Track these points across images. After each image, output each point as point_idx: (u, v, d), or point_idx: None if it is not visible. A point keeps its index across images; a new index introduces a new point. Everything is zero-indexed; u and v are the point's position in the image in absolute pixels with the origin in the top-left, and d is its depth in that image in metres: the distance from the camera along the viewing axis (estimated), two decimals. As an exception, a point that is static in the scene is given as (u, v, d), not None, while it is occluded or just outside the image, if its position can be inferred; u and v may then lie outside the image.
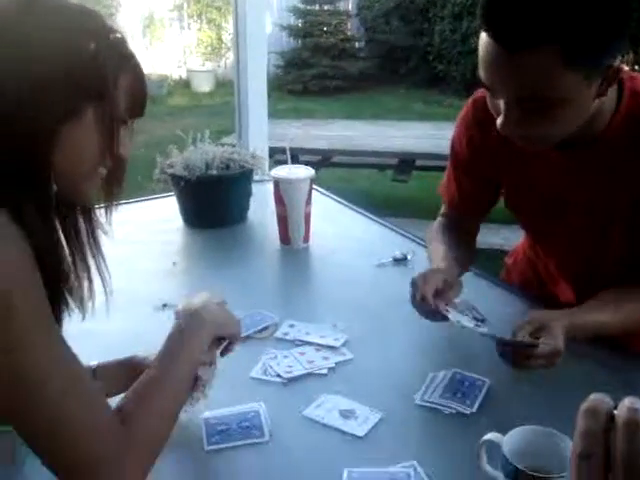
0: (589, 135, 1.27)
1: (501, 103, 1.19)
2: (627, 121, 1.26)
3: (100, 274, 1.05)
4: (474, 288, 1.61)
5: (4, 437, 0.94)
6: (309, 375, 1.33)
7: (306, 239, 1.97)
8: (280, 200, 1.92)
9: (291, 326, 1.51)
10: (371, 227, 2.17)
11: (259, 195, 2.22)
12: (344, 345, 1.43)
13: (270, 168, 2.41)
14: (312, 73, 10.31)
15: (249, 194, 2.17)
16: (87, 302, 1.02)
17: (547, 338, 1.21)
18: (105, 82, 0.90)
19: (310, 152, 5.40)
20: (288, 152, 1.98)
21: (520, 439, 1.00)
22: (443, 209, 1.67)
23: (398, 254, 1.86)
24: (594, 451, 0.53)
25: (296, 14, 10.88)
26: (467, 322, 1.32)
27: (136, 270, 1.83)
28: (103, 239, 1.07)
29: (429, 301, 1.30)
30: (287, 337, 1.47)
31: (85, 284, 1.02)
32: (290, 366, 1.35)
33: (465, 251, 1.56)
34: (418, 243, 1.97)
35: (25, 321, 0.82)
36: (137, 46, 10.22)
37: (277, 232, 1.98)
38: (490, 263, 1.73)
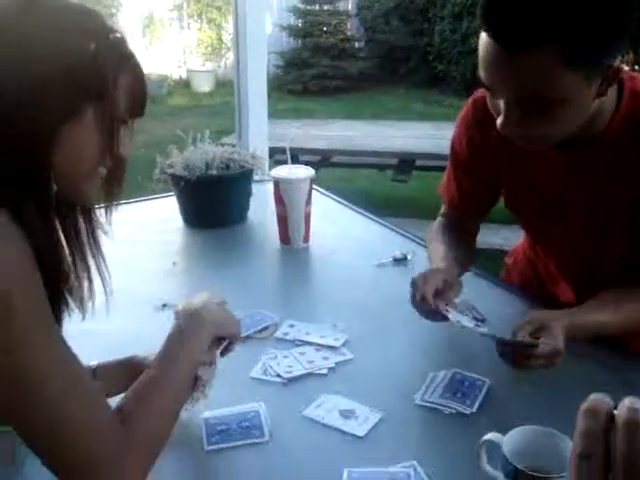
0: (589, 135, 1.27)
1: (501, 103, 1.19)
2: (627, 121, 1.26)
3: (100, 274, 1.05)
4: (474, 288, 1.61)
5: (4, 437, 0.94)
6: (309, 375, 1.33)
7: (306, 239, 1.97)
8: (280, 200, 1.92)
9: (291, 326, 1.51)
10: (371, 227, 2.17)
11: (259, 195, 2.21)
12: (344, 345, 1.43)
13: (270, 168, 2.41)
14: (312, 73, 10.31)
15: (249, 194, 2.17)
16: (87, 302, 1.02)
17: (547, 338, 1.21)
18: (105, 82, 0.90)
19: (310, 152, 5.40)
20: (288, 152, 1.98)
21: (520, 439, 1.00)
22: (443, 209, 1.67)
23: (398, 254, 1.86)
24: (594, 451, 0.53)
25: (296, 14, 10.88)
26: (467, 322, 1.31)
27: (136, 270, 1.83)
28: (103, 239, 1.07)
29: (429, 301, 1.30)
30: (287, 337, 1.47)
31: (85, 284, 1.02)
32: (290, 366, 1.35)
33: (465, 251, 1.56)
34: (418, 243, 1.97)
35: (25, 321, 0.82)
36: (137, 46, 10.22)
37: (277, 232, 1.98)
38: (490, 263, 1.73)
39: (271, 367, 1.35)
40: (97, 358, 1.23)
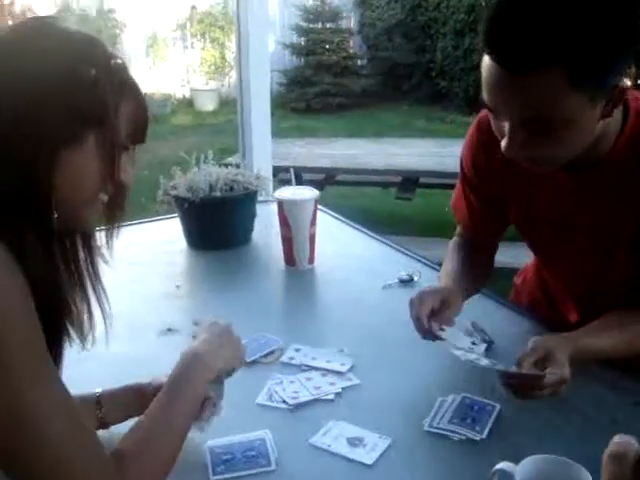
0: (594, 156, 1.25)
1: (505, 125, 1.18)
2: (632, 142, 1.25)
3: (100, 304, 1.03)
4: (482, 308, 1.60)
5: None
6: (315, 401, 1.31)
7: (311, 260, 1.96)
8: (285, 221, 1.91)
9: (297, 350, 1.49)
10: (376, 247, 2.15)
11: (263, 216, 2.20)
12: (351, 370, 1.41)
13: (274, 186, 2.40)
14: (315, 91, 10.35)
15: (253, 215, 2.16)
16: (87, 332, 1.00)
17: (553, 367, 1.17)
18: (106, 108, 0.90)
19: (314, 171, 5.41)
20: (292, 173, 1.97)
21: (532, 468, 0.98)
22: (458, 229, 1.66)
23: (404, 275, 1.85)
24: None
25: (298, 32, 10.93)
26: (462, 343, 1.31)
27: (140, 293, 1.81)
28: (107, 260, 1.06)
29: (423, 322, 1.30)
30: (293, 362, 1.45)
31: (85, 314, 1.00)
32: (296, 392, 1.33)
33: (477, 269, 1.55)
34: (424, 263, 1.96)
35: (15, 355, 0.80)
36: (141, 65, 10.28)
37: (282, 253, 1.97)
38: (499, 282, 1.71)
39: (277, 393, 1.33)
40: (101, 383, 1.22)
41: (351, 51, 11.23)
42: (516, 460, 0.99)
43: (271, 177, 2.62)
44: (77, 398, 1.07)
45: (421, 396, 1.33)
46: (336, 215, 2.38)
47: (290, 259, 1.95)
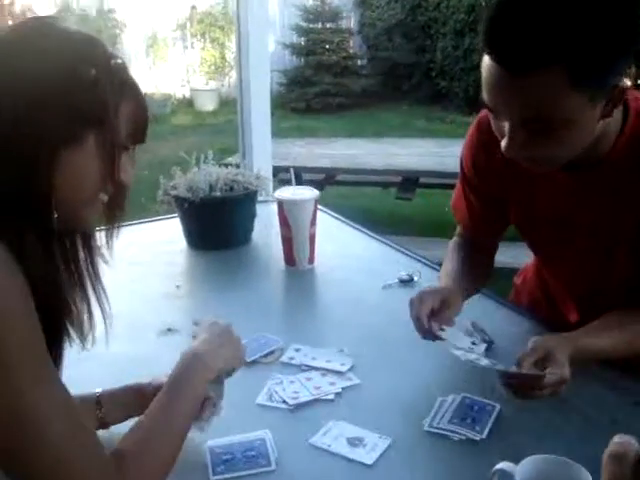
0: (594, 156, 1.25)
1: (505, 125, 1.18)
2: (632, 142, 1.25)
3: (100, 304, 1.03)
4: (482, 309, 1.60)
5: None
6: (315, 401, 1.31)
7: (311, 260, 1.96)
8: (285, 221, 1.91)
9: (297, 350, 1.49)
10: (376, 247, 2.15)
11: (263, 216, 2.20)
12: (351, 370, 1.41)
13: (274, 187, 2.40)
14: (315, 91, 10.34)
15: (253, 215, 2.16)
16: (87, 332, 1.00)
17: (553, 367, 1.17)
18: (106, 108, 0.90)
19: (314, 171, 5.41)
20: (292, 173, 1.97)
21: (532, 468, 0.97)
22: (458, 229, 1.66)
23: (404, 275, 1.84)
24: None
25: (298, 32, 10.93)
26: (463, 343, 1.31)
27: (139, 292, 1.81)
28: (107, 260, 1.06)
29: (422, 321, 1.30)
30: (293, 362, 1.45)
31: (85, 314, 1.00)
32: (296, 392, 1.33)
33: (477, 269, 1.55)
34: (424, 263, 1.96)
35: (14, 355, 0.80)
36: (141, 65, 10.28)
37: (282, 253, 1.97)
38: (498, 282, 1.71)
39: (277, 393, 1.33)
40: (101, 383, 1.22)
41: (351, 51, 11.23)
42: (516, 460, 0.98)
43: (271, 177, 2.62)
44: (77, 398, 1.07)
45: (421, 396, 1.33)
46: (336, 215, 2.38)
47: (290, 259, 1.95)
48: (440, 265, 1.86)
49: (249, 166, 2.50)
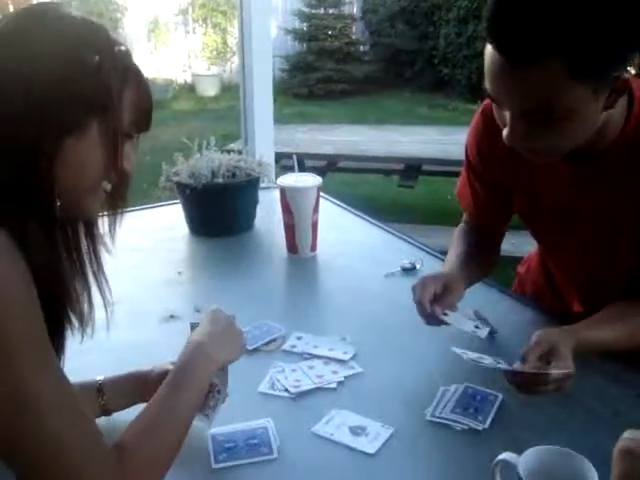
0: (597, 147, 1.25)
1: (507, 115, 1.17)
2: (637, 132, 1.24)
3: (101, 293, 1.02)
4: (484, 297, 1.59)
5: None
6: (318, 390, 1.31)
7: (313, 248, 1.95)
8: (287, 209, 1.90)
9: (299, 338, 1.49)
10: (378, 234, 2.15)
11: (265, 203, 2.20)
12: (353, 358, 1.41)
13: (276, 173, 2.39)
14: (317, 77, 10.32)
15: (255, 202, 2.15)
16: (87, 321, 0.99)
17: (558, 363, 1.16)
18: (109, 95, 0.89)
19: (316, 157, 5.39)
20: (295, 160, 1.96)
21: (535, 459, 0.97)
22: (464, 216, 1.65)
23: (407, 263, 1.84)
24: None
25: (301, 18, 10.89)
26: (466, 327, 1.32)
27: (141, 279, 1.81)
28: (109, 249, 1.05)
29: (425, 306, 1.30)
30: (295, 350, 1.44)
31: (85, 303, 0.99)
32: (298, 380, 1.33)
33: (481, 256, 1.55)
34: (427, 252, 1.95)
35: (17, 342, 0.79)
36: (142, 50, 10.24)
37: (284, 241, 1.96)
38: (500, 270, 1.70)
39: (279, 381, 1.33)
40: (102, 371, 1.21)
41: (353, 37, 11.19)
42: (518, 451, 0.98)
43: (273, 163, 2.61)
44: (78, 385, 1.07)
45: (424, 385, 1.33)
46: (338, 202, 2.38)
47: (292, 246, 1.94)
48: (442, 253, 1.86)
49: (251, 152, 2.49)
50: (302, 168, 3.88)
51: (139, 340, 1.49)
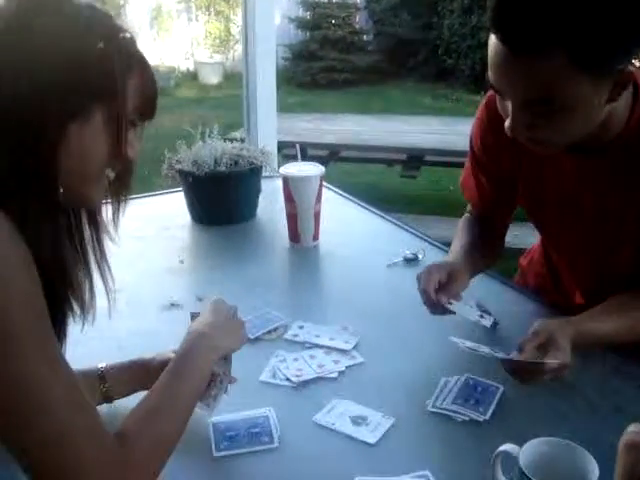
0: (602, 140, 1.24)
1: (509, 105, 1.17)
2: None
3: (104, 281, 1.02)
4: (485, 289, 1.59)
5: None
6: (319, 379, 1.31)
7: (316, 237, 1.95)
8: (290, 198, 1.89)
9: (300, 327, 1.48)
10: (380, 224, 2.14)
11: (268, 192, 2.19)
12: (355, 348, 1.41)
13: (279, 162, 2.38)
14: (320, 66, 10.28)
15: (258, 191, 2.14)
16: (88, 309, 0.99)
17: (554, 352, 1.16)
18: (114, 82, 0.88)
19: (319, 147, 5.38)
20: (298, 149, 1.95)
21: (536, 451, 0.97)
22: (468, 207, 1.65)
23: (409, 254, 1.84)
24: None
25: (304, 6, 10.85)
26: (471, 316, 1.33)
27: (143, 267, 1.81)
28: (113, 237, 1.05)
29: (430, 295, 1.30)
30: (296, 339, 1.44)
31: (87, 291, 0.99)
32: (300, 369, 1.33)
33: (485, 247, 1.55)
34: (429, 242, 1.94)
35: (18, 323, 0.79)
36: (145, 38, 10.21)
37: (286, 230, 1.96)
38: (502, 262, 1.70)
39: (280, 370, 1.33)
40: (103, 358, 1.21)
41: (357, 26, 11.16)
42: (519, 442, 0.98)
43: (276, 152, 2.61)
44: (80, 373, 1.07)
45: (425, 376, 1.33)
46: (341, 192, 2.37)
47: (295, 236, 1.94)
48: (444, 244, 1.86)
49: (254, 141, 2.49)
50: (304, 157, 3.86)
51: (140, 328, 1.49)
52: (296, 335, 1.46)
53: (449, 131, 5.39)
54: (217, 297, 1.18)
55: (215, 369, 1.10)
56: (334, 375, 1.32)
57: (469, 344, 1.25)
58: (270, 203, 2.18)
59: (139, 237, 1.97)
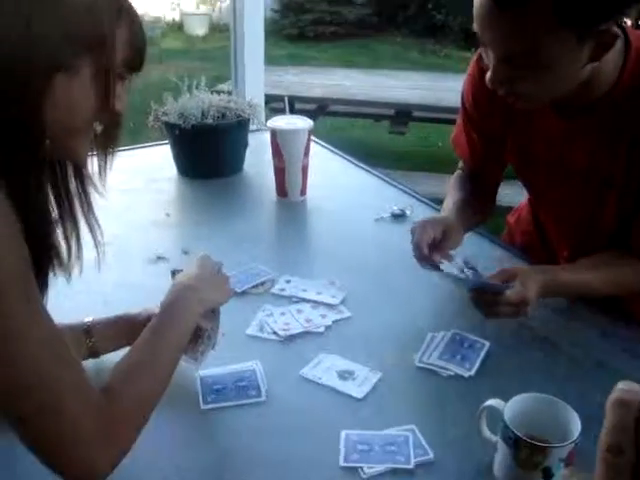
0: (588, 98, 1.24)
1: (491, 57, 1.18)
2: (632, 83, 1.22)
3: (93, 235, 1.01)
4: (473, 246, 1.59)
5: None
6: (306, 333, 1.31)
7: (303, 192, 1.93)
8: (278, 151, 1.87)
9: (287, 282, 1.48)
10: (368, 180, 2.13)
11: (255, 145, 2.17)
12: (342, 303, 1.41)
13: (266, 115, 2.36)
14: (309, 18, 10.14)
15: (245, 144, 2.12)
16: (73, 264, 0.98)
17: (518, 288, 1.21)
18: (102, 34, 0.86)
19: (306, 100, 5.32)
20: (286, 102, 1.93)
21: (521, 406, 0.98)
22: (460, 164, 1.65)
23: (396, 210, 1.83)
24: (626, 445, 0.49)
25: (293, -44, 10.64)
26: (460, 275, 1.32)
27: (129, 220, 1.79)
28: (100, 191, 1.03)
29: (423, 250, 1.30)
30: (284, 293, 1.44)
31: (73, 245, 0.97)
32: (287, 323, 1.33)
33: (477, 203, 1.55)
34: (417, 199, 1.94)
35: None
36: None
37: (273, 184, 1.94)
38: (491, 219, 1.70)
39: (268, 324, 1.33)
40: (90, 311, 1.21)
41: (346, -22, 10.96)
42: (504, 398, 0.99)
43: (263, 105, 2.57)
44: (66, 327, 1.06)
45: (412, 330, 1.33)
46: (329, 146, 2.35)
47: (282, 190, 1.92)
48: (432, 200, 1.86)
49: (241, 94, 2.45)
50: (292, 111, 3.83)
51: (126, 281, 1.48)
52: (283, 289, 1.45)
53: (437, 87, 5.34)
54: (203, 253, 1.17)
55: (203, 324, 1.09)
56: (321, 329, 1.32)
57: (460, 275, 1.28)
58: (257, 157, 2.15)
59: (125, 190, 1.95)
